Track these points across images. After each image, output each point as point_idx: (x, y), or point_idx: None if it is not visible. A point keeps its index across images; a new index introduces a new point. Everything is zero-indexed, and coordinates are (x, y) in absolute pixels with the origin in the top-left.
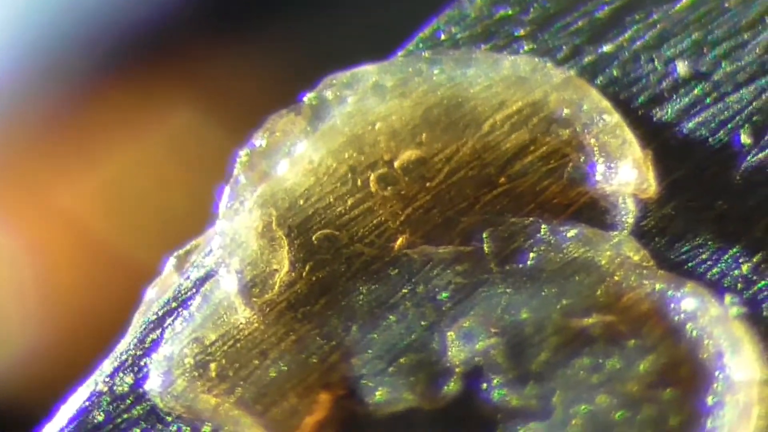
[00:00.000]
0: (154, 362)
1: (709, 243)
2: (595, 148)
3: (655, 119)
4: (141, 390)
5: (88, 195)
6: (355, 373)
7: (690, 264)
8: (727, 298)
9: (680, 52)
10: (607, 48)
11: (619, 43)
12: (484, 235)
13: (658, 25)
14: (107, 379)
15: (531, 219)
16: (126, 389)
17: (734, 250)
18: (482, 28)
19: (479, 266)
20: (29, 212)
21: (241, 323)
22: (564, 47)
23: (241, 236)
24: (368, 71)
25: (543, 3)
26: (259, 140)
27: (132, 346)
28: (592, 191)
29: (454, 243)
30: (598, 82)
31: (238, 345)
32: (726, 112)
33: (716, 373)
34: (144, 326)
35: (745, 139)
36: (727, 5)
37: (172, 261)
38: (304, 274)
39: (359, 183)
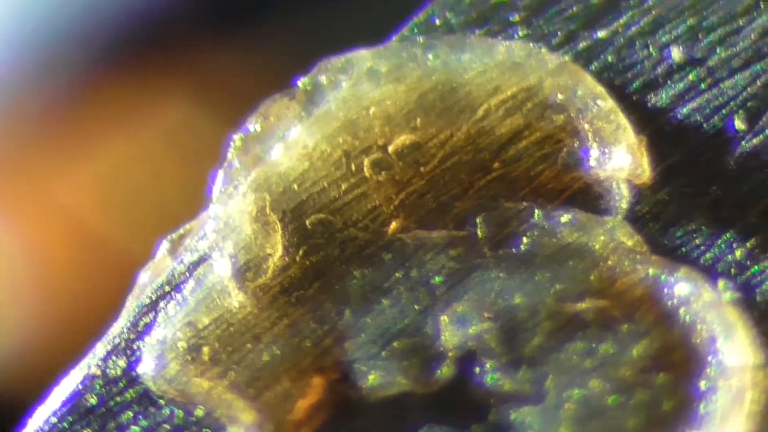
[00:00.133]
0: (147, 346)
1: (703, 228)
2: (590, 134)
3: (649, 105)
4: (134, 373)
5: (83, 186)
6: (349, 357)
7: (684, 249)
8: (721, 283)
9: (675, 38)
10: (601, 34)
11: (613, 28)
12: (478, 220)
13: (653, 11)
14: (100, 363)
15: (525, 204)
16: (119, 373)
17: (728, 235)
18: (477, 14)
19: (473, 251)
20: (25, 204)
21: (234, 307)
22: (559, 33)
23: (235, 220)
24: (363, 56)
25: None
26: (253, 125)
27: (125, 330)
28: (586, 176)
29: (447, 228)
30: (593, 67)
31: (232, 329)
32: (720, 98)
33: (709, 358)
34: (137, 310)
35: (739, 124)
36: None
37: (165, 245)
38: (297, 258)
39: (353, 168)
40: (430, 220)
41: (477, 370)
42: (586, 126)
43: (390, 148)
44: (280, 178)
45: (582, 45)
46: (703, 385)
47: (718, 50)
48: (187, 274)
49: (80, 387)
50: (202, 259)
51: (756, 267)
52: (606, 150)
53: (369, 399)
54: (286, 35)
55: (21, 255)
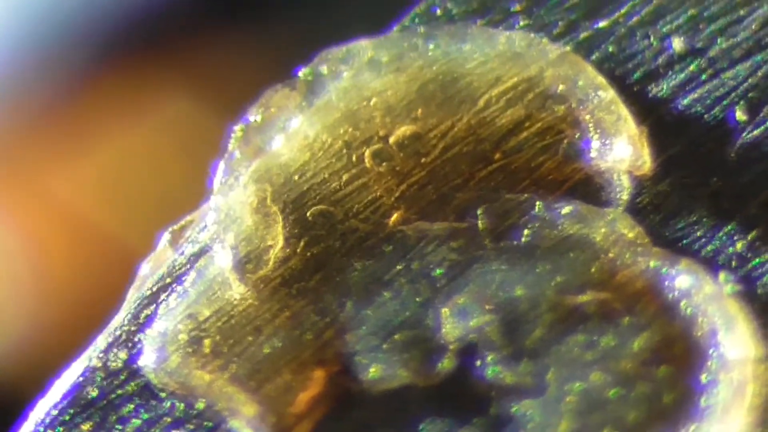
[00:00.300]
0: (148, 338)
1: (704, 220)
2: (591, 125)
3: (650, 95)
4: (135, 366)
5: (84, 178)
6: (350, 349)
7: (685, 241)
8: (722, 275)
9: (676, 28)
10: (602, 24)
11: (614, 18)
12: (479, 212)
13: (654, 1)
14: (101, 355)
15: (526, 195)
16: (120, 365)
17: (729, 227)
18: (478, 3)
19: (474, 243)
20: (27, 196)
21: (235, 299)
22: (559, 23)
23: (236, 212)
24: (364, 46)
25: None
26: (254, 115)
27: (126, 322)
28: (587, 168)
29: (448, 219)
30: (594, 58)
31: (233, 321)
32: (721, 89)
33: (710, 350)
34: (138, 302)
35: (740, 115)
36: None
37: (166, 236)
38: (298, 249)
39: (354, 158)
40: (431, 211)
41: (478, 362)
42: (587, 117)
43: (391, 139)
44: (281, 169)
45: (583, 35)
46: (704, 377)
47: (719, 40)
48: (188, 265)
49: (81, 379)
50: (203, 251)
51: (757, 259)
52: (607, 141)
53: (370, 391)
54: (287, 25)
55: (22, 247)
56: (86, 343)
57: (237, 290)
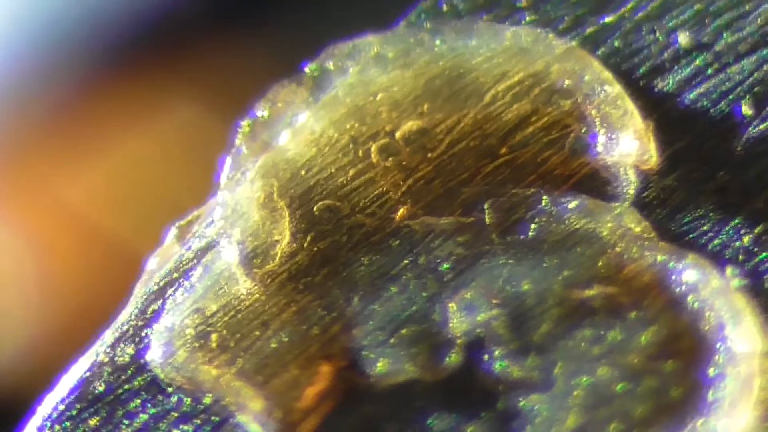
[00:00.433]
0: (156, 333)
1: (711, 214)
2: (597, 119)
3: (656, 90)
4: (142, 361)
5: (89, 178)
6: (357, 344)
7: (691, 235)
8: (729, 269)
9: (682, 23)
10: (608, 19)
11: (620, 13)
12: (486, 206)
13: None
14: (108, 350)
15: (532, 190)
16: (127, 360)
17: (736, 221)
18: None
19: (480, 237)
20: (35, 193)
21: (242, 294)
22: (566, 18)
23: (243, 207)
24: (370, 42)
25: None
26: (261, 110)
27: (133, 317)
28: (593, 162)
29: (455, 214)
30: (600, 52)
31: (239, 316)
32: (727, 83)
33: (717, 345)
34: (145, 297)
35: (746, 110)
36: None
37: (173, 231)
38: (305, 244)
39: (361, 154)
40: (438, 206)
41: (485, 357)
42: (594, 111)
43: (397, 134)
44: (288, 164)
45: (589, 30)
46: (711, 372)
47: (725, 35)
48: (195, 260)
49: (88, 374)
50: (210, 246)
51: (764, 253)
52: (613, 135)
53: (377, 386)
54: (294, 21)
55: (31, 244)
56: (93, 338)
57: (244, 285)
